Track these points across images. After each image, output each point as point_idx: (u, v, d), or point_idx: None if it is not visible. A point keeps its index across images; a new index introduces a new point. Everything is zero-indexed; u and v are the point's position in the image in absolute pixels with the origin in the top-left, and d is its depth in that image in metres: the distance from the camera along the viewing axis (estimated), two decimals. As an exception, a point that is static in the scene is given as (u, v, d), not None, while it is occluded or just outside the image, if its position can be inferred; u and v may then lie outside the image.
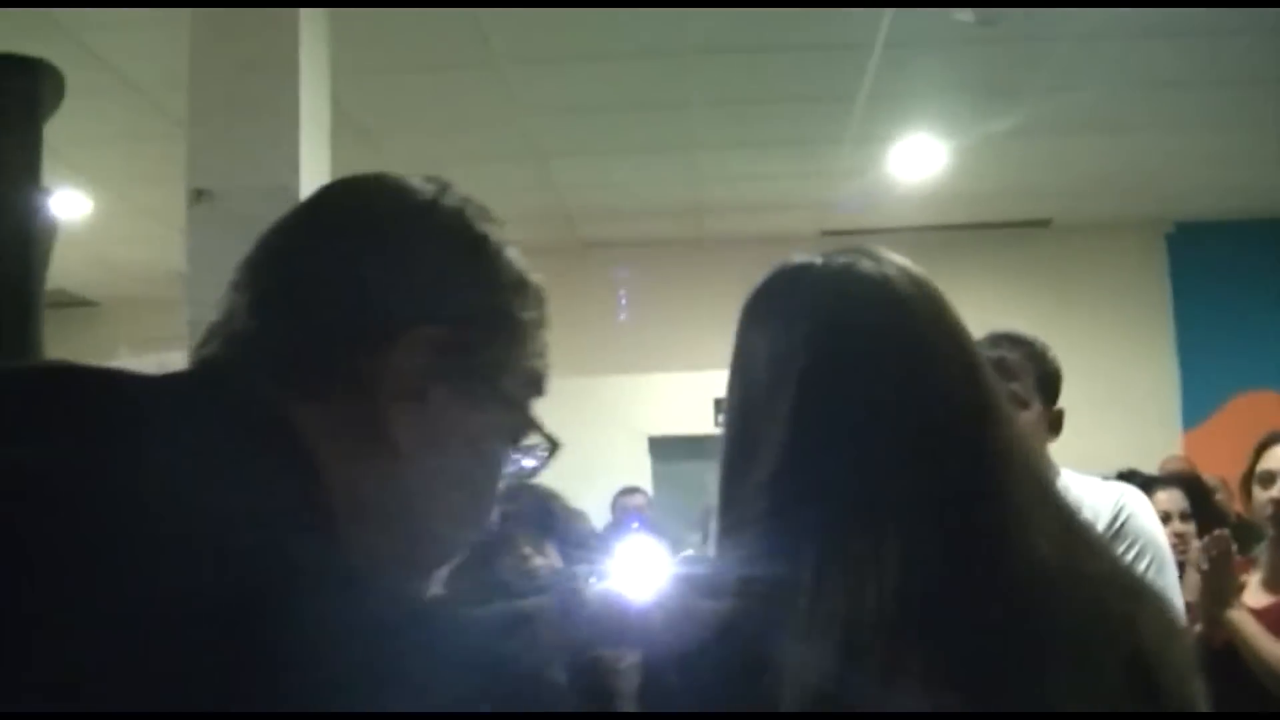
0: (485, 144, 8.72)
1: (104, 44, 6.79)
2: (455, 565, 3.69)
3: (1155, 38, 7.48)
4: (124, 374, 1.28)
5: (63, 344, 3.75)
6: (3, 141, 3.15)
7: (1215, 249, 11.17)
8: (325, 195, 1.50)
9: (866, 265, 1.74)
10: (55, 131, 3.25)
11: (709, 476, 1.88)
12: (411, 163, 8.80)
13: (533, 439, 1.49)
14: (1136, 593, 1.64)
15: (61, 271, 3.13)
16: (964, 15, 6.86)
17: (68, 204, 8.77)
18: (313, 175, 4.92)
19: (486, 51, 7.14)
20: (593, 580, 4.24)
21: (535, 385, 1.47)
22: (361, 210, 1.44)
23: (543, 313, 1.50)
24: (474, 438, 1.41)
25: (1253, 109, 8.69)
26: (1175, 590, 3.92)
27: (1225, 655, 4.53)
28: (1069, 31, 7.33)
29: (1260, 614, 4.64)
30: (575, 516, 5.88)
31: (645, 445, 10.87)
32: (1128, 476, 7.53)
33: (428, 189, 1.45)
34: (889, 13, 6.89)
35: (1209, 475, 8.34)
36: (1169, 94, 8.40)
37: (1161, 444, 10.36)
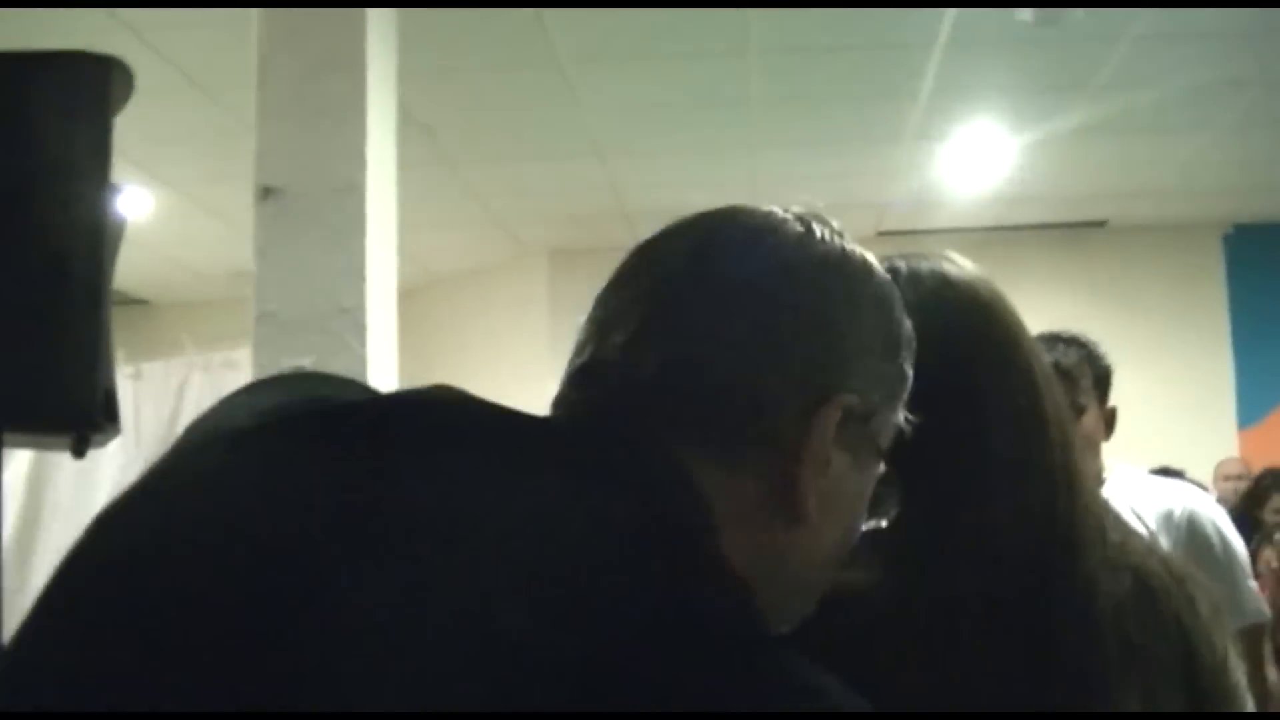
0: (546, 143, 8.77)
1: (170, 43, 6.86)
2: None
3: (1212, 39, 7.47)
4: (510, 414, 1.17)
5: (122, 343, 3.83)
6: (75, 137, 3.21)
7: (1273, 250, 11.17)
8: (719, 233, 1.36)
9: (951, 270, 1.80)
10: (121, 129, 3.31)
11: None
12: (474, 162, 8.92)
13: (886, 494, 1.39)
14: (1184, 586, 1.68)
15: (122, 269, 3.16)
16: (1024, 15, 6.89)
17: (131, 202, 8.87)
18: (379, 174, 4.96)
19: (549, 51, 7.18)
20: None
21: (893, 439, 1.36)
22: (772, 256, 1.32)
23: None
24: (857, 501, 1.34)
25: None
26: (1243, 587, 3.96)
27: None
28: (1128, 33, 7.33)
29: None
30: None
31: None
32: (1162, 473, 7.61)
33: (820, 229, 1.37)
34: (950, 12, 6.91)
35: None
36: (1226, 95, 8.38)
37: (1217, 443, 10.36)
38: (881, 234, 11.16)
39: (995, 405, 1.68)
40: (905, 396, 1.35)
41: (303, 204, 4.75)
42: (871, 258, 1.37)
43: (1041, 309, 9.82)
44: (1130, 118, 8.64)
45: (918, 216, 10.78)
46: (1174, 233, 11.22)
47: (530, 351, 10.62)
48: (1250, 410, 11.04)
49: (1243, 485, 9.47)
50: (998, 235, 10.99)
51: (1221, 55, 7.72)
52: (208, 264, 10.69)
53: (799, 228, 1.33)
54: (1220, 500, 9.37)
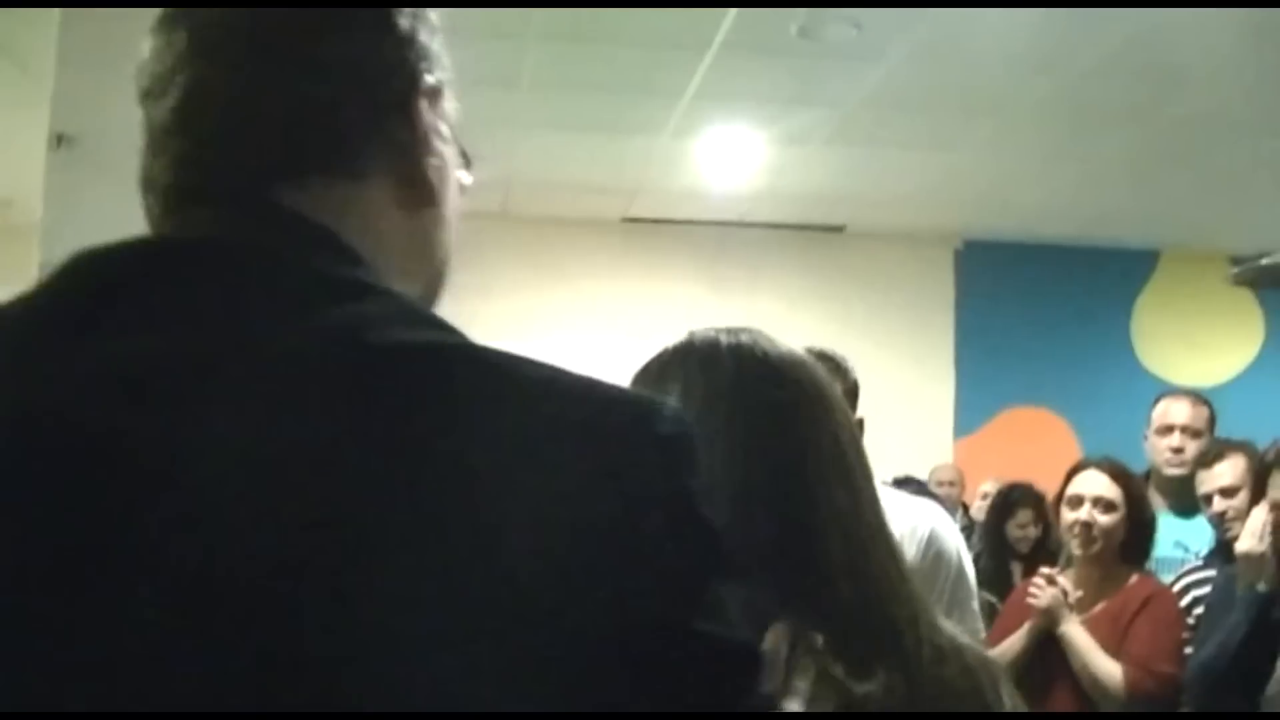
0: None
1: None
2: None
3: (959, 66, 7.83)
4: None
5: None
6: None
7: (1000, 268, 11.64)
8: None
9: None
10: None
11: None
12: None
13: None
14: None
15: None
16: (792, 29, 7.14)
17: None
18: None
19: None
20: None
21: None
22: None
23: None
24: (452, 178, 1.40)
25: (1043, 137, 9.12)
26: (970, 608, 4.18)
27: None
28: (891, 52, 7.63)
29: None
30: None
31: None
32: (903, 483, 7.87)
33: None
34: (729, 17, 7.10)
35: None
36: (970, 120, 8.80)
37: (935, 451, 10.73)
38: (627, 219, 11.34)
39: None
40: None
41: (99, 153, 4.67)
42: None
43: (781, 306, 10.09)
44: (877, 132, 8.98)
45: (665, 206, 10.96)
46: (909, 243, 11.55)
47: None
48: (967, 421, 11.45)
49: (955, 491, 9.87)
50: (740, 231, 11.25)
51: (964, 80, 8.07)
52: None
53: None
54: (934, 504, 9.78)
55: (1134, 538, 5.17)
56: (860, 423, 4.23)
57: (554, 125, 9.11)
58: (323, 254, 1.19)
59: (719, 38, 7.40)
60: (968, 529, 9.41)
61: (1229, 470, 5.14)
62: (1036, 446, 10.56)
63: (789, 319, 10.97)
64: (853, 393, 4.19)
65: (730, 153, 9.61)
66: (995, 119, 8.75)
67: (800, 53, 7.61)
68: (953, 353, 11.64)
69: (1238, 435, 5.49)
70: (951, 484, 10.05)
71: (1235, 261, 10.93)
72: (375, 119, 1.29)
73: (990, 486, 9.19)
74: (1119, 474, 5.20)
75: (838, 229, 11.64)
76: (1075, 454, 9.16)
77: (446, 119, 1.38)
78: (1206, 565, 5.19)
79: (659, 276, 11.32)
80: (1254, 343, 11.76)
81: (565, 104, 8.70)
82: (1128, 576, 5.14)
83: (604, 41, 7.61)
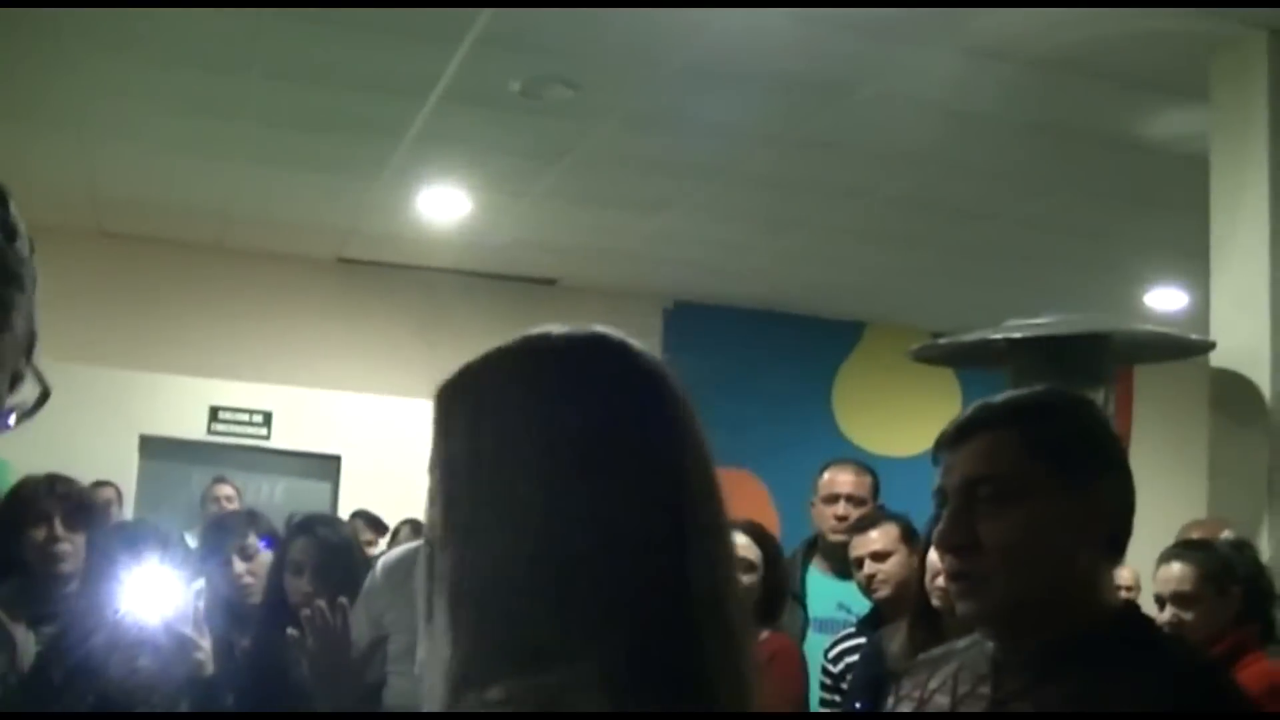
0: (31, 110, 8.50)
1: None
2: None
3: (687, 130, 8.03)
4: None
5: None
6: None
7: (708, 330, 11.82)
8: None
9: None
10: None
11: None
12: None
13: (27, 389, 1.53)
14: None
15: None
16: (514, 85, 7.27)
17: None
18: None
19: (56, 27, 7.09)
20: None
21: (31, 338, 1.51)
22: None
23: (35, 271, 1.53)
24: None
25: (757, 206, 9.38)
26: None
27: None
28: (606, 115, 7.81)
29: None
30: (108, 518, 5.85)
31: (136, 442, 10.76)
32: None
33: None
34: (450, 67, 7.19)
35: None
36: (688, 182, 9.01)
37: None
38: (343, 260, 11.32)
39: None
40: (30, 295, 1.47)
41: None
42: None
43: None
44: (594, 192, 9.15)
45: (380, 248, 10.97)
46: (619, 299, 11.66)
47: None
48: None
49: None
50: (453, 278, 11.30)
51: (686, 150, 8.27)
52: None
53: None
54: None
55: (768, 597, 5.35)
56: None
57: (272, 160, 9.07)
58: None
59: (440, 86, 7.49)
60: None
61: (881, 536, 5.35)
62: (735, 508, 10.62)
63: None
64: None
65: (445, 199, 9.68)
66: (711, 185, 8.98)
67: (519, 108, 7.74)
68: (655, 411, 11.79)
69: (927, 508, 5.70)
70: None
71: (936, 337, 11.29)
72: None
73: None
74: (759, 535, 5.36)
75: (550, 281, 11.72)
76: (772, 516, 9.39)
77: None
78: (859, 631, 5.40)
79: (370, 319, 11.33)
80: (949, 419, 12.11)
81: (283, 139, 8.67)
82: (758, 633, 5.32)
83: (327, 80, 7.64)
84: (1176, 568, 4.95)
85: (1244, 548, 5.46)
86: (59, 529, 4.49)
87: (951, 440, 2.34)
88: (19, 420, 1.50)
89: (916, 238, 9.78)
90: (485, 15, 6.55)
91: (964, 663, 2.42)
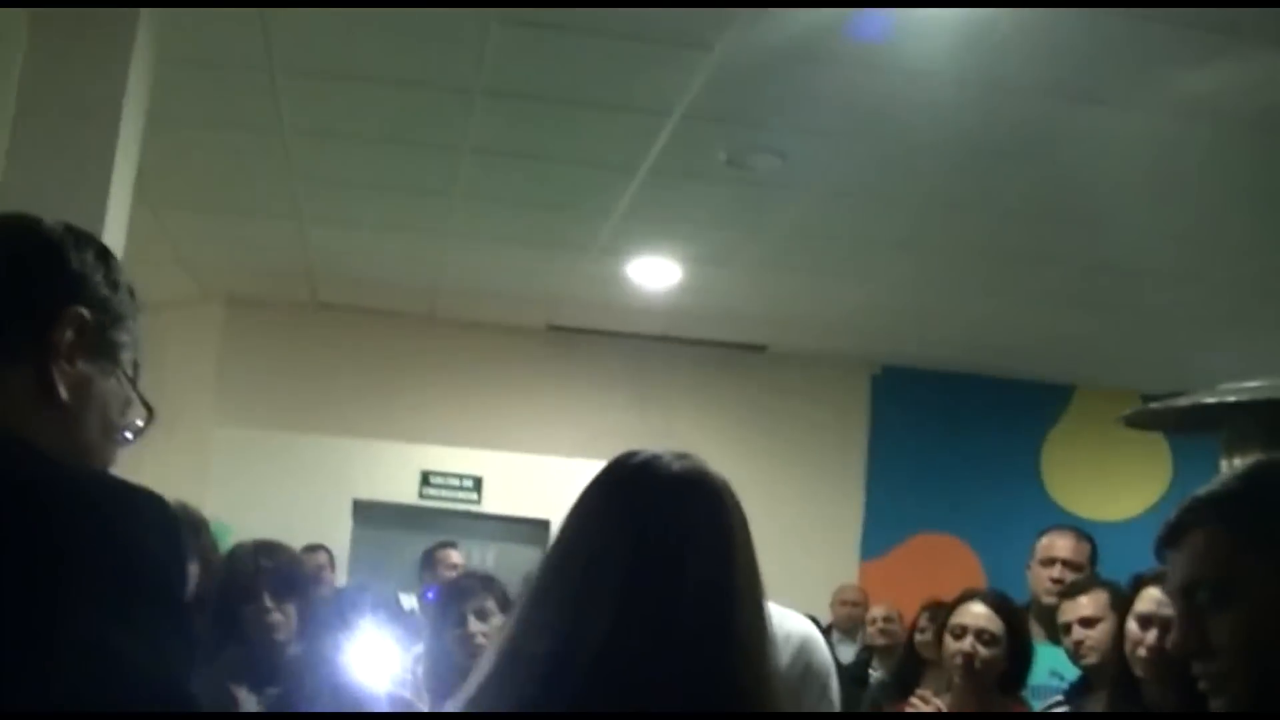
0: (252, 199, 8.87)
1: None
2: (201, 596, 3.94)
3: (883, 201, 8.07)
4: None
5: None
6: None
7: (914, 395, 11.83)
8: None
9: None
10: None
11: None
12: (183, 204, 8.87)
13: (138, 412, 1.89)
14: None
15: None
16: (720, 156, 7.34)
17: None
18: (116, 216, 5.25)
19: (276, 117, 7.31)
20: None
21: (138, 369, 1.86)
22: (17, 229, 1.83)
23: (139, 315, 1.89)
24: (111, 401, 1.81)
25: (960, 273, 9.38)
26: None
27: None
28: (812, 188, 7.88)
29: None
30: (320, 582, 5.96)
31: (350, 507, 10.97)
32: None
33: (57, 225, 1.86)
34: (659, 141, 7.27)
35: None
36: (891, 254, 9.06)
37: (840, 572, 10.85)
38: (552, 327, 11.47)
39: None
40: (137, 335, 1.87)
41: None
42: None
43: (699, 422, 10.16)
44: (801, 260, 9.21)
45: (590, 316, 11.13)
46: (827, 365, 11.71)
47: (197, 394, 10.67)
48: (875, 544, 11.57)
49: (859, 612, 9.99)
50: (662, 344, 11.40)
51: (892, 218, 8.31)
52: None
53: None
54: (835, 623, 9.89)
55: (1012, 668, 5.33)
56: None
57: (482, 236, 9.28)
58: None
59: (648, 162, 7.58)
60: (866, 650, 9.53)
61: (1090, 602, 5.31)
62: (942, 573, 10.66)
63: (711, 434, 11.19)
64: None
65: (655, 270, 9.81)
66: (914, 253, 9.00)
67: (727, 180, 7.80)
68: (864, 476, 11.80)
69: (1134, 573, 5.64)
70: (855, 604, 10.18)
71: (1146, 400, 11.14)
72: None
73: (880, 611, 9.31)
74: (1002, 607, 5.35)
75: (759, 348, 11.80)
76: (980, 581, 9.32)
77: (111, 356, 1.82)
78: (1067, 699, 5.36)
79: (579, 385, 11.48)
80: (1161, 484, 11.92)
81: (494, 216, 8.86)
82: (1003, 705, 5.30)
83: (537, 158, 7.76)
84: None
85: None
86: (267, 601, 4.59)
87: (1165, 543, 2.32)
88: (133, 438, 1.89)
89: (1123, 301, 9.66)
90: (695, 88, 6.63)
91: None
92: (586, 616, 2.15)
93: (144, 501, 1.59)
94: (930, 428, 11.74)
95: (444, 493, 11.30)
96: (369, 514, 11.00)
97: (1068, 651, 5.43)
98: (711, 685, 2.14)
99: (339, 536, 10.37)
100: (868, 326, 10.89)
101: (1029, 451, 12.14)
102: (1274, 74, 6.24)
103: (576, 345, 11.56)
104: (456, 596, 5.35)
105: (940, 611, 6.79)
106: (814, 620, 4.47)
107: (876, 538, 11.58)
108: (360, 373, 11.14)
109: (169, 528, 1.61)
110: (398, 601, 8.37)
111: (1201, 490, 2.31)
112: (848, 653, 9.51)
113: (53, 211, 1.91)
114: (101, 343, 1.79)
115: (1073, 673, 5.57)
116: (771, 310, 10.70)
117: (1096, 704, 4.97)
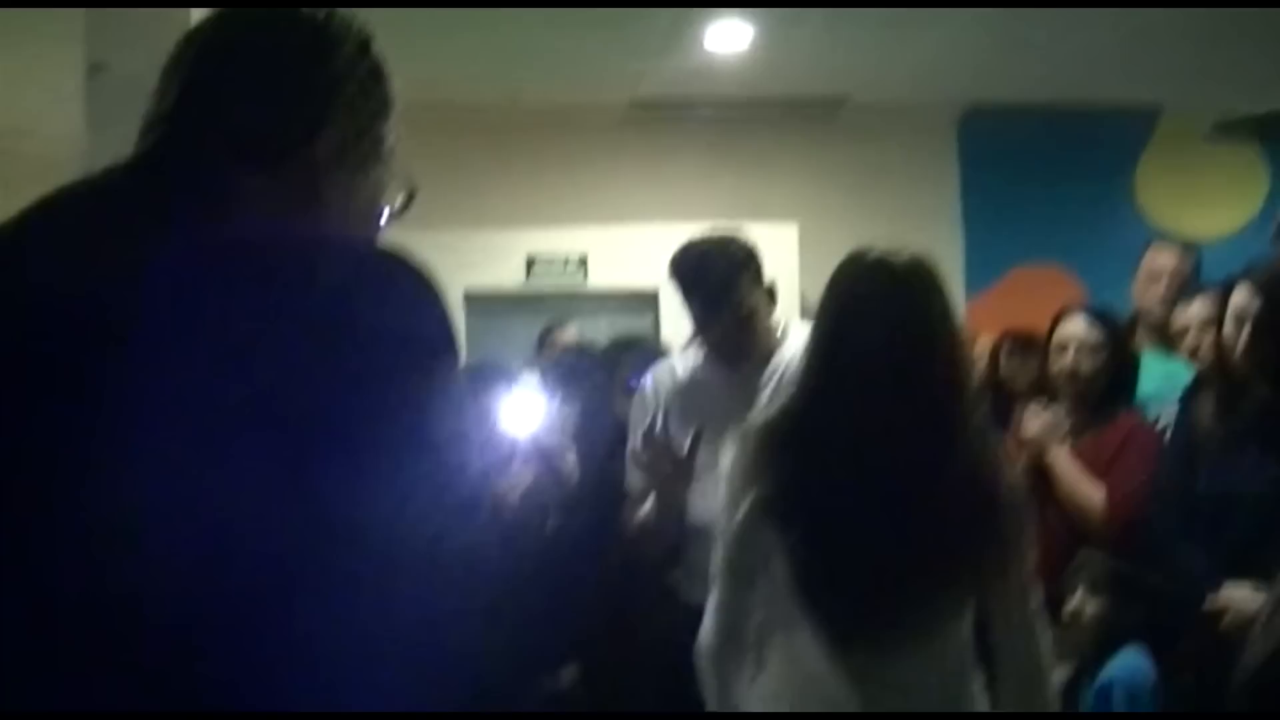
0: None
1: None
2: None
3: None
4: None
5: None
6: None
7: (1005, 131, 11.80)
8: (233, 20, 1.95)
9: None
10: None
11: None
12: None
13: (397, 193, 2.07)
14: None
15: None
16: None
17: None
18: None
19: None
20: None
21: (393, 153, 2.00)
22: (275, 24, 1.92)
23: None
24: (368, 195, 1.97)
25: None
26: None
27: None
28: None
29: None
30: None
31: (461, 300, 11.00)
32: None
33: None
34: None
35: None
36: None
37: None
38: (634, 104, 11.47)
39: None
40: (392, 125, 1.97)
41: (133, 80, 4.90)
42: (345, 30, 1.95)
43: (785, 180, 10.23)
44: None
45: (671, 86, 11.11)
46: (910, 114, 11.65)
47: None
48: (977, 280, 11.54)
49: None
50: (743, 107, 11.39)
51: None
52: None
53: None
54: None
55: (1118, 378, 5.46)
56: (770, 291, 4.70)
57: (561, 22, 9.31)
58: None
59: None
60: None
61: (1203, 307, 5.41)
62: (1047, 302, 10.75)
63: (799, 190, 11.25)
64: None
65: (731, 31, 9.81)
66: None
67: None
68: (959, 214, 11.83)
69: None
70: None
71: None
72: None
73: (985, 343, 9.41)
74: (1101, 319, 5.47)
75: (839, 101, 11.71)
76: (1085, 307, 9.37)
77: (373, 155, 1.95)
78: (1182, 403, 5.48)
79: (667, 156, 11.64)
80: (1258, 197, 11.84)
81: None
82: (1113, 413, 5.44)
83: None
84: None
85: None
86: None
87: None
88: (391, 219, 2.09)
89: (1204, 17, 9.53)
90: None
91: None
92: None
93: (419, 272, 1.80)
94: (1021, 162, 11.72)
95: (549, 276, 11.48)
96: (480, 306, 11.00)
97: (1183, 357, 5.55)
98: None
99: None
100: (949, 68, 10.79)
101: (1124, 174, 12.09)
102: None
103: (660, 118, 11.57)
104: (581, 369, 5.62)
105: (1021, 339, 6.91)
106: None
107: (978, 274, 11.57)
108: (457, 167, 11.13)
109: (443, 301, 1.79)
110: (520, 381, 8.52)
111: None
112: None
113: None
114: (363, 145, 1.92)
115: (1185, 380, 5.69)
116: (850, 61, 10.66)
117: (1207, 401, 5.10)
